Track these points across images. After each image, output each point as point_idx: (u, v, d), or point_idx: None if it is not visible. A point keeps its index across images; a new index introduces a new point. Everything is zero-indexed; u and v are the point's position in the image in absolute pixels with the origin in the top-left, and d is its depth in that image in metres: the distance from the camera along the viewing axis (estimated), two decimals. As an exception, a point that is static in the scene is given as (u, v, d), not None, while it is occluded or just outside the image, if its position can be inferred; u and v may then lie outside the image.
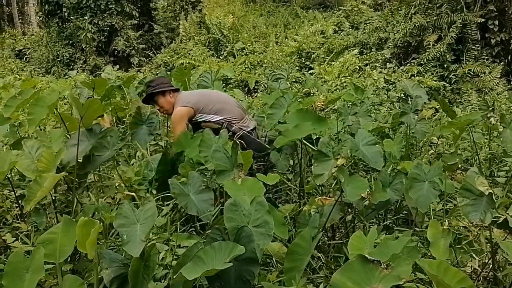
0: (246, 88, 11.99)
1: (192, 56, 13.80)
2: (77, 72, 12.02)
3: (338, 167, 3.18)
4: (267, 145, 4.54)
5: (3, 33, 21.20)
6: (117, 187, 3.11)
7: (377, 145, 3.49)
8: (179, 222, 2.79)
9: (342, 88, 8.56)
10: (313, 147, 4.55)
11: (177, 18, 16.57)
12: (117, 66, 12.70)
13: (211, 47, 14.81)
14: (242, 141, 4.03)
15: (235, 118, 4.30)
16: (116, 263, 2.26)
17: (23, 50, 17.66)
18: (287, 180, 5.07)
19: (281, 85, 6.91)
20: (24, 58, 16.99)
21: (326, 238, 3.73)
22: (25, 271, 2.13)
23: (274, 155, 4.74)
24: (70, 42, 15.42)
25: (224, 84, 12.02)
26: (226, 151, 2.84)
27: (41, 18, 17.52)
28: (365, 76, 8.93)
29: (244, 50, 13.89)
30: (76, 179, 2.93)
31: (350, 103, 5.66)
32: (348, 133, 4.91)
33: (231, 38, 14.63)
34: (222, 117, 4.24)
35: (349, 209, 3.67)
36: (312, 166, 3.29)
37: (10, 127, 3.78)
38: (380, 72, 9.12)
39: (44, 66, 15.15)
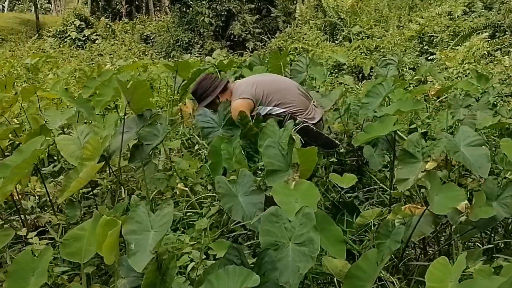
0: (360, 75, 11.26)
1: (306, 40, 13.34)
2: (190, 55, 12.22)
3: (427, 171, 2.56)
4: (338, 143, 3.95)
5: (134, 19, 22.57)
6: (169, 180, 2.82)
7: (483, 147, 2.78)
8: (223, 228, 2.41)
9: (464, 76, 7.52)
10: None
11: (295, 2, 16.17)
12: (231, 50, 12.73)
13: (327, 31, 14.20)
14: (306, 136, 3.48)
15: (299, 109, 3.73)
16: (134, 272, 1.95)
17: (150, 35, 18.61)
18: (384, 179, 4.47)
19: (389, 72, 6.22)
20: (150, 43, 17.88)
21: (413, 256, 3.13)
22: (30, 274, 1.91)
23: (367, 150, 4.16)
24: (190, 27, 15.84)
25: (336, 70, 11.43)
26: (282, 147, 2.39)
27: (167, 5, 18.29)
28: (495, 63, 7.75)
29: (361, 35, 13.08)
30: (124, 170, 2.69)
31: (465, 93, 4.82)
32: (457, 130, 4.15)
33: (349, 21, 13.87)
34: (284, 109, 3.70)
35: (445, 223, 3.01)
36: (395, 169, 2.71)
37: (88, 110, 3.69)
38: (514, 58, 7.88)
39: (165, 50, 15.74)
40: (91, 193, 2.96)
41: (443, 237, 3.16)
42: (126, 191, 2.84)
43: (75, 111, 3.42)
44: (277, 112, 3.67)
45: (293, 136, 2.35)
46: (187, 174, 2.92)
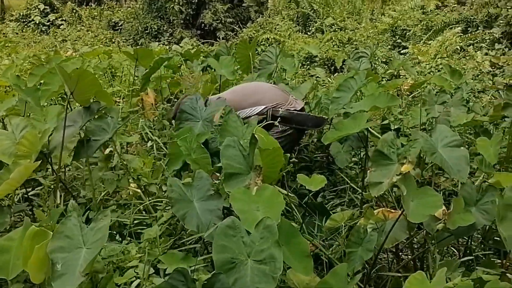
0: (333, 67, 11.06)
1: (278, 31, 13.05)
2: (159, 44, 11.80)
3: (402, 175, 2.34)
4: (325, 117, 3.79)
5: (103, 5, 21.80)
6: (120, 180, 2.52)
7: (462, 148, 2.58)
8: (176, 236, 2.14)
9: (437, 71, 7.39)
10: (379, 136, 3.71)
11: (267, -9, 15.87)
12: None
13: (299, 22, 13.94)
14: (293, 124, 3.48)
15: (279, 103, 3.56)
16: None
17: (118, 22, 17.97)
18: (355, 176, 4.26)
19: (362, 65, 6.02)
20: (118, 30, 17.26)
21: (385, 262, 2.93)
22: None
23: (334, 147, 3.95)
24: (159, 14, 15.35)
25: (308, 62, 11.20)
26: (243, 147, 2.12)
27: (138, -9, 17.69)
28: (467, 58, 7.64)
29: (333, 27, 12.87)
30: (63, 169, 2.38)
31: (439, 89, 4.66)
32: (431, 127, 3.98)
33: (322, 13, 13.64)
34: (263, 106, 3.53)
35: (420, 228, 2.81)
36: (368, 172, 2.48)
37: (37, 100, 3.34)
38: (486, 54, 7.78)
39: (133, 37, 15.23)
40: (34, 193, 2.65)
41: (416, 242, 2.97)
42: (70, 192, 2.52)
43: (16, 101, 3.07)
44: (257, 111, 3.47)
45: (255, 135, 2.07)
46: (141, 174, 2.63)
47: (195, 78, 4.63)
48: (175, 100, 4.83)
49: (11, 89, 5.11)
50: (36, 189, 2.62)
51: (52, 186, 2.56)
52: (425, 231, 2.68)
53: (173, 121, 3.36)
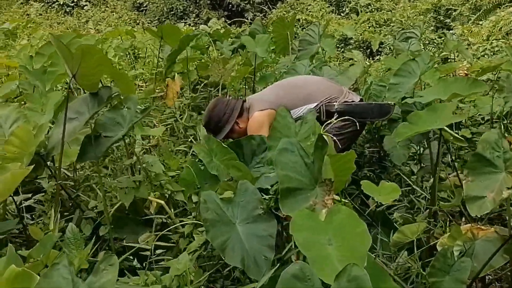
0: (368, 50, 10.37)
1: (309, 12, 12.35)
2: (185, 25, 11.25)
3: (514, 189, 1.74)
4: (391, 103, 3.18)
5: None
6: (139, 188, 1.97)
7: None
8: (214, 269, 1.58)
9: (492, 54, 6.64)
10: (456, 135, 3.09)
11: (298, -30, 15.09)
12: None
13: (332, 3, 13.19)
14: (352, 116, 2.92)
15: (334, 97, 2.99)
16: None
17: (143, 3, 17.49)
18: (409, 174, 3.66)
19: (411, 46, 5.35)
20: (143, 11, 16.78)
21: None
22: None
23: (388, 141, 3.37)
24: (186, -6, 14.79)
25: (342, 45, 10.51)
26: (305, 153, 1.54)
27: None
28: (525, 39, 6.87)
29: (369, 7, 12.10)
30: (67, 174, 1.84)
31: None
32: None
33: (356, -8, 12.87)
34: (316, 102, 2.96)
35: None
36: (463, 182, 1.88)
37: (43, 83, 2.82)
38: (547, 34, 7.00)
39: (158, 18, 14.72)
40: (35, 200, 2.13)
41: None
42: (76, 204, 1.99)
43: (17, 85, 2.55)
44: (310, 107, 2.91)
45: (323, 136, 1.49)
46: (166, 180, 2.08)
47: (225, 68, 4.02)
48: (202, 90, 4.24)
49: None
50: (35, 197, 2.11)
51: (54, 191, 2.04)
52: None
53: (203, 133, 2.75)
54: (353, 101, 3.02)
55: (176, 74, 3.84)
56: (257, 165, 2.41)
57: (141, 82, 5.08)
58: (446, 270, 1.93)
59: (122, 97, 2.05)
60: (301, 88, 3.03)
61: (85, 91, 2.04)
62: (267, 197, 1.65)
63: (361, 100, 3.17)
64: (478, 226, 2.20)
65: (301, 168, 1.53)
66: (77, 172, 2.42)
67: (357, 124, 2.87)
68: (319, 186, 1.50)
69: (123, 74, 3.08)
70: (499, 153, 1.84)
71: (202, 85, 4.20)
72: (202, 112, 3.68)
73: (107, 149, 1.95)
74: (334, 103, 2.91)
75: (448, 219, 3.00)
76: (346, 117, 2.85)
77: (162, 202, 2.04)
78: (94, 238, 1.91)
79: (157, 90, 4.10)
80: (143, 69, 5.18)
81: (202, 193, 1.59)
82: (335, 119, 2.53)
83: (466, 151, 3.63)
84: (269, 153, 2.07)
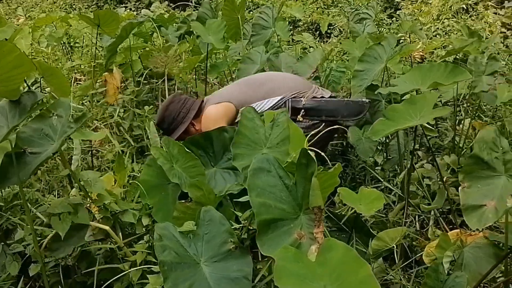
0: (317, 32, 10.15)
1: (255, -8, 11.97)
2: (125, 9, 10.61)
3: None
4: (365, 100, 2.92)
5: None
6: (77, 213, 1.60)
7: None
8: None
9: (444, 33, 6.55)
10: (428, 126, 2.92)
11: (242, -50, 14.63)
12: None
13: (278, -17, 12.87)
14: (323, 116, 2.65)
15: (301, 91, 2.69)
16: None
17: (79, -14, 16.51)
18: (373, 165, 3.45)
19: (367, 28, 5.16)
20: (79, -5, 15.83)
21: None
22: None
23: (353, 133, 3.14)
24: (125, -24, 13.98)
25: (291, 27, 10.23)
26: (284, 172, 1.23)
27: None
28: (479, 18, 6.80)
29: (316, -13, 11.87)
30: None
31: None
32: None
33: (302, -28, 12.58)
34: (281, 96, 2.66)
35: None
36: (459, 188, 1.64)
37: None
38: (495, 13, 6.97)
39: (95, 3, 13.87)
40: None
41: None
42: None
43: None
44: (273, 103, 2.59)
45: (306, 151, 1.18)
46: (112, 197, 1.72)
47: (167, 56, 3.60)
48: (145, 82, 3.82)
49: None
50: None
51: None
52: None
53: (152, 131, 2.38)
54: (322, 97, 2.73)
55: (114, 67, 3.41)
56: (227, 162, 2.11)
57: (79, 75, 4.60)
58: (438, 287, 1.72)
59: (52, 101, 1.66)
60: (264, 82, 2.73)
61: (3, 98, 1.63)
62: (237, 226, 1.34)
63: (331, 96, 2.89)
64: (466, 231, 2.00)
65: (281, 192, 1.23)
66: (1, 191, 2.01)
67: (326, 123, 2.59)
68: (304, 214, 1.20)
69: (54, 70, 2.67)
70: (497, 153, 1.60)
71: (144, 76, 3.80)
72: (147, 107, 3.32)
73: (35, 169, 1.56)
74: (301, 98, 2.61)
75: (417, 215, 2.82)
76: (315, 117, 2.56)
77: (107, 227, 1.69)
78: (22, 279, 1.56)
79: (97, 84, 3.68)
80: (81, 60, 4.69)
81: (157, 227, 1.27)
82: (301, 116, 2.25)
83: (429, 137, 3.46)
84: (233, 162, 1.75)
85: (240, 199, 1.45)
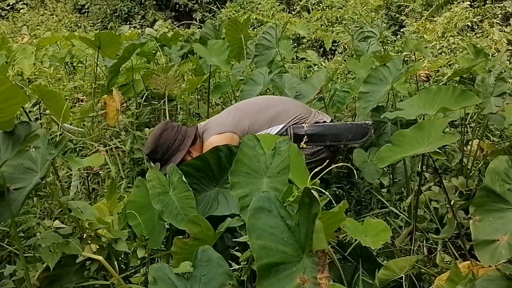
0: (322, 49, 10.14)
1: (260, 11, 12.02)
2: (130, 27, 10.66)
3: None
4: (368, 123, 2.86)
5: (67, -14, 20.29)
6: (67, 244, 1.54)
7: None
8: None
9: (449, 51, 6.49)
10: (438, 150, 2.81)
11: (247, -32, 14.72)
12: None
13: (282, 1, 12.90)
14: (327, 142, 2.62)
15: (303, 117, 2.64)
16: None
17: (84, 5, 16.63)
18: (379, 188, 3.37)
19: (371, 47, 5.10)
20: (85, 13, 15.94)
21: None
22: None
23: (358, 155, 3.07)
24: (130, -5, 14.09)
25: (295, 45, 10.23)
26: (286, 212, 1.17)
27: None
28: (485, 36, 6.74)
29: (320, 4, 11.89)
30: None
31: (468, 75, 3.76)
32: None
33: (306, -10, 12.62)
34: (284, 123, 2.61)
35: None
36: (470, 222, 1.56)
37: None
38: (501, 30, 6.91)
39: (101, 21, 13.98)
40: None
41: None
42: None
43: None
44: (277, 130, 2.52)
45: (309, 190, 1.11)
46: (103, 225, 1.65)
47: (167, 77, 3.52)
48: (145, 104, 3.77)
49: None
50: None
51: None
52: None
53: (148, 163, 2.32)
54: (324, 122, 2.67)
55: (114, 88, 3.36)
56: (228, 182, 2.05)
57: (81, 95, 4.57)
58: (451, 324, 1.64)
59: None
60: (264, 109, 2.66)
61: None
62: (237, 267, 1.27)
63: (332, 121, 2.83)
64: (477, 263, 1.92)
65: (282, 234, 1.16)
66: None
67: (330, 149, 2.53)
68: (307, 256, 1.13)
69: (54, 93, 2.63)
70: (510, 185, 1.53)
71: (145, 97, 3.74)
72: (148, 129, 3.26)
73: (23, 203, 1.50)
74: (303, 125, 2.55)
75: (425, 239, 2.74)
76: (319, 142, 2.49)
77: (101, 258, 1.62)
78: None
79: (98, 106, 3.63)
80: (83, 81, 4.66)
81: (151, 268, 1.20)
82: (305, 143, 2.18)
83: (436, 159, 3.38)
84: (230, 191, 1.68)
85: (240, 239, 1.38)
